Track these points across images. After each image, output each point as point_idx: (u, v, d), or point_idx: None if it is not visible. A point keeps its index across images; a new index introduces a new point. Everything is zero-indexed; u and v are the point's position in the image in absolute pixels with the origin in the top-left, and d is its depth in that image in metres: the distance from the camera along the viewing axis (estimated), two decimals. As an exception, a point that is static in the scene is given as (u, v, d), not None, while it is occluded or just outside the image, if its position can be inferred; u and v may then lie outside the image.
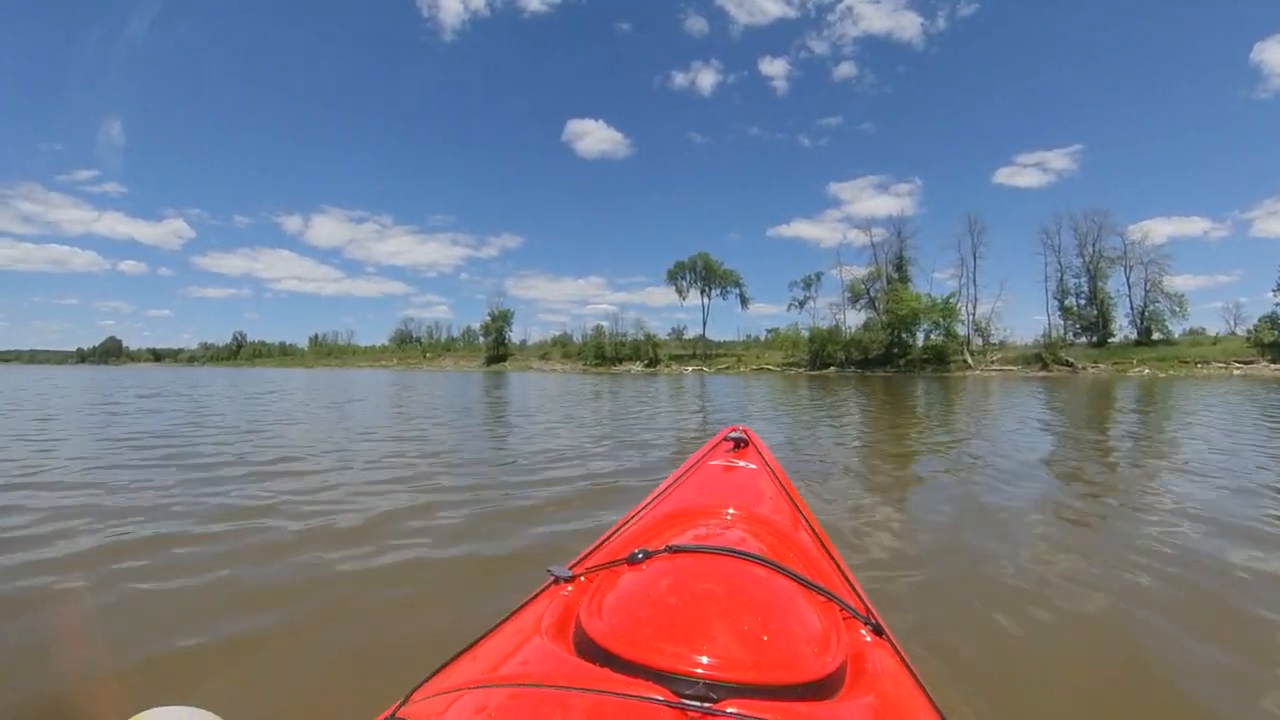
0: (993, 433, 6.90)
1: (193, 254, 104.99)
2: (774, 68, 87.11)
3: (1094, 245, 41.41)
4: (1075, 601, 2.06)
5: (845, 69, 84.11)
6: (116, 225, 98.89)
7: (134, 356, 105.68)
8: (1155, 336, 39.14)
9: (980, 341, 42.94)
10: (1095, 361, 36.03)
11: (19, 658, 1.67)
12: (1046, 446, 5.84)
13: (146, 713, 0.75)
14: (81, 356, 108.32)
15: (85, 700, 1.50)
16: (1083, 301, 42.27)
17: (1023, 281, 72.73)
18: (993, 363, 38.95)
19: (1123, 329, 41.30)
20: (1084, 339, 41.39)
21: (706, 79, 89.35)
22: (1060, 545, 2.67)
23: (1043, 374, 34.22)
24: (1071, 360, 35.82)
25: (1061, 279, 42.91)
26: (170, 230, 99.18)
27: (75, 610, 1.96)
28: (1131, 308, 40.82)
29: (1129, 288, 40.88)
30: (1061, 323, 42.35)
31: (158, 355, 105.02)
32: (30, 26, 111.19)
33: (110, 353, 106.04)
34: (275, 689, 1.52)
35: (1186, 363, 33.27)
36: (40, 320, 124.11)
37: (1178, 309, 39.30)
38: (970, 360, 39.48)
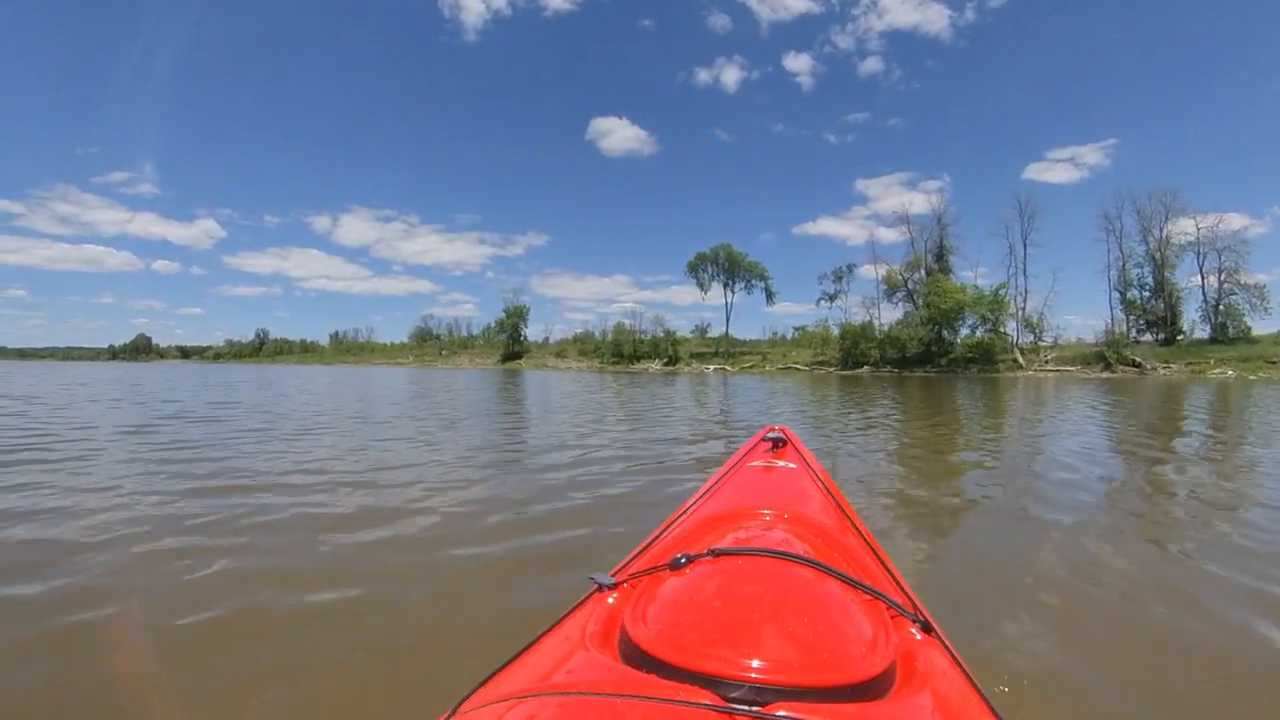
0: (1050, 445, 6.06)
1: (224, 253, 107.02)
2: (798, 64, 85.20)
3: (1160, 231, 37.40)
4: (1131, 607, 2.02)
5: (871, 64, 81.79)
6: (150, 226, 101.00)
7: (163, 353, 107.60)
8: (1230, 333, 34.97)
9: (1031, 338, 39.23)
10: (1165, 361, 32.20)
11: (66, 674, 1.62)
12: (1118, 463, 5.04)
13: None
14: (113, 353, 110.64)
15: (134, 704, 1.49)
16: (1147, 294, 38.25)
17: (1068, 277, 68.69)
18: (1047, 362, 35.27)
19: (1193, 325, 37.17)
20: (1149, 336, 37.37)
21: (730, 75, 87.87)
22: (1121, 555, 2.53)
23: (1105, 375, 30.73)
24: (1139, 360, 32.09)
25: (1124, 268, 38.88)
26: (202, 230, 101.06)
27: (122, 628, 1.90)
28: (1205, 300, 36.61)
29: (1202, 278, 36.71)
30: (1124, 317, 38.28)
31: (185, 352, 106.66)
32: (63, 33, 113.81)
33: (140, 349, 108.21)
34: (323, 703, 1.51)
35: (1275, 363, 29.34)
36: (77, 319, 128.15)
37: (1258, 302, 35.08)
38: (1021, 359, 35.92)
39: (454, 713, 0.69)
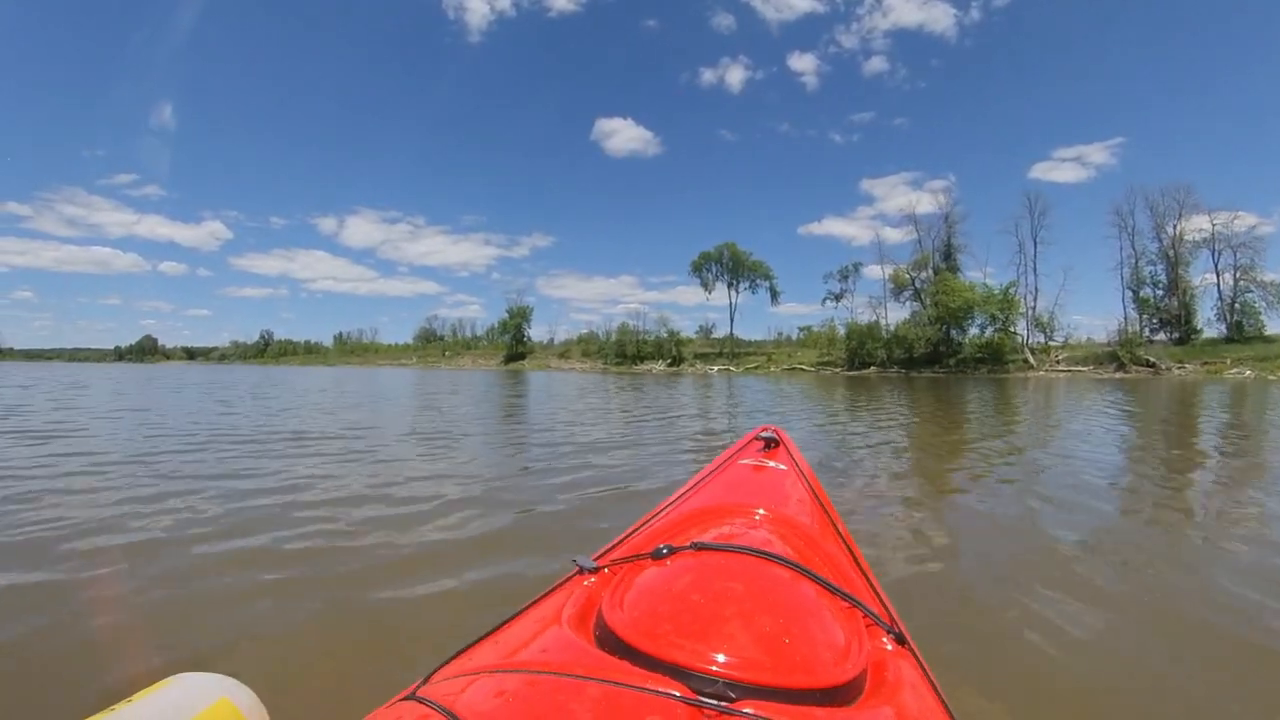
0: (1058, 456, 5.55)
1: (230, 255, 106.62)
2: (803, 63, 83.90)
3: (1174, 227, 36.54)
4: (1111, 628, 1.94)
5: (876, 63, 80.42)
6: (157, 227, 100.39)
7: (169, 355, 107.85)
8: (1246, 332, 34.06)
9: (1042, 338, 38.46)
10: (1180, 361, 31.45)
11: (53, 622, 1.72)
12: (1132, 481, 4.57)
13: (174, 678, 0.82)
14: (119, 354, 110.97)
15: (115, 665, 1.54)
16: (1160, 292, 37.41)
17: (1076, 275, 67.51)
18: (1059, 362, 34.55)
19: (1209, 324, 36.26)
20: (1162, 335, 36.52)
21: (735, 76, 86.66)
22: (1104, 573, 2.41)
23: (1118, 375, 30.04)
24: (1153, 360, 31.35)
25: (1136, 266, 38.03)
26: (208, 232, 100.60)
27: (109, 581, 2.05)
28: (1220, 298, 35.73)
29: (1217, 275, 35.81)
30: (1137, 316, 37.40)
31: (191, 354, 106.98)
32: (68, 35, 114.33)
33: (146, 351, 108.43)
34: (300, 662, 1.58)
35: (1294, 362, 28.55)
36: (85, 320, 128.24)
37: (1275, 300, 34.14)
38: (1032, 359, 35.22)
39: (426, 681, 0.70)
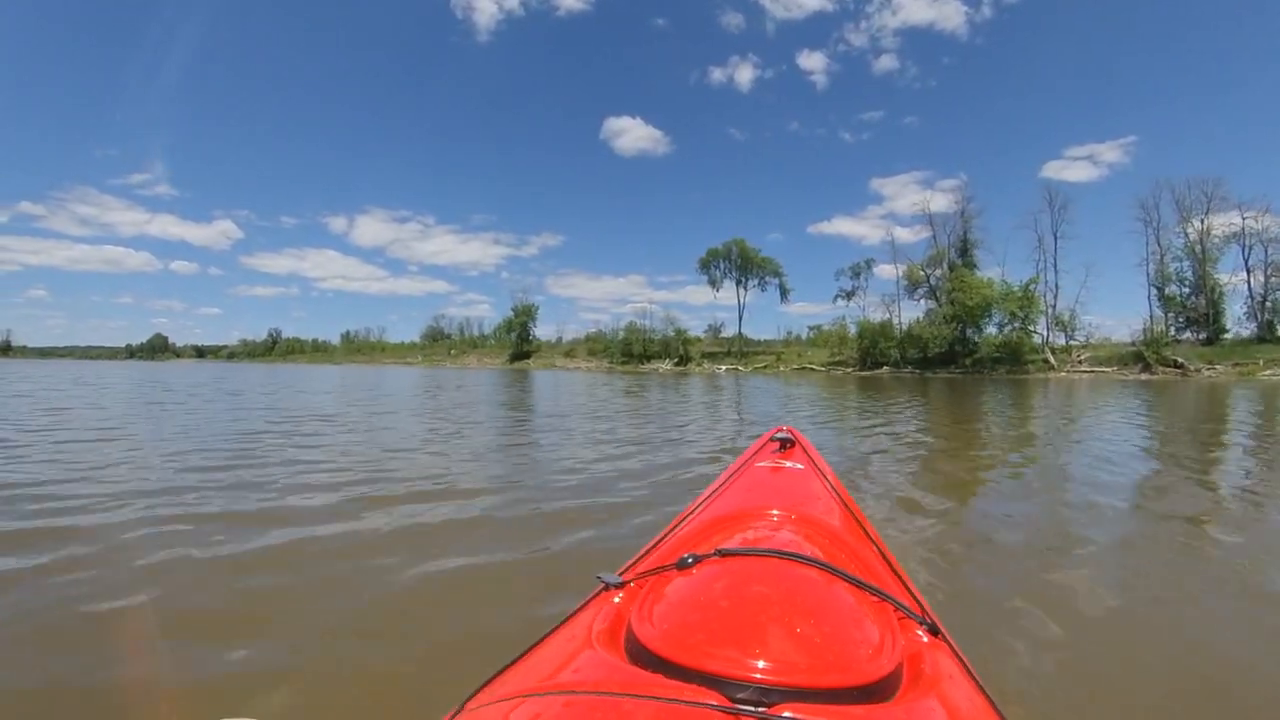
0: (1081, 457, 5.55)
1: (241, 254, 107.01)
2: (812, 62, 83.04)
3: (1201, 222, 35.05)
4: (1146, 613, 2.02)
5: (886, 62, 79.44)
6: (169, 227, 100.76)
7: (179, 353, 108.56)
8: (1278, 332, 32.58)
9: (1063, 338, 37.13)
10: (1210, 362, 30.13)
11: (77, 669, 1.63)
12: (1160, 482, 4.43)
13: None
14: (130, 353, 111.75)
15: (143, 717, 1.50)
16: (1186, 290, 35.96)
17: (1092, 273, 65.73)
18: (1081, 362, 33.29)
19: (1238, 323, 34.75)
20: (1188, 335, 35.10)
21: (744, 74, 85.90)
22: (1139, 560, 2.53)
23: (1144, 376, 28.81)
24: (1181, 360, 30.05)
25: (1161, 262, 36.56)
26: (219, 231, 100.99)
27: (129, 624, 1.93)
28: (1251, 296, 34.26)
29: (1247, 273, 34.30)
30: (1162, 315, 35.91)
31: (201, 352, 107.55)
32: (81, 35, 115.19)
33: (157, 349, 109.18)
34: (328, 700, 1.52)
35: (1331, 364, 27.17)
36: (97, 319, 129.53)
37: (1309, 299, 32.69)
38: (1052, 360, 33.97)
39: (460, 710, 0.69)
